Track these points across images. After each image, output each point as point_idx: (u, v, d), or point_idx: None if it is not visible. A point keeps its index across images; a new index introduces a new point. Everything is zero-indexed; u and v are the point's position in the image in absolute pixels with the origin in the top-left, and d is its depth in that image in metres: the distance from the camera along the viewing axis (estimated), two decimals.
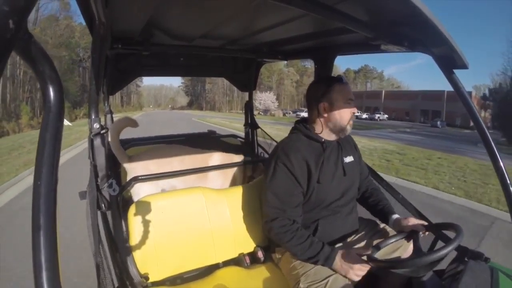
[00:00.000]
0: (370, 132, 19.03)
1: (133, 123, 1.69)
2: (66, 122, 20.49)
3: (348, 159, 1.29)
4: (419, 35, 0.91)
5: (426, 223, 1.18)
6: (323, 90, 1.20)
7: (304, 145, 1.22)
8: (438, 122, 34.12)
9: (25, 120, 24.77)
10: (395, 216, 1.26)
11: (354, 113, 1.23)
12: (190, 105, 74.62)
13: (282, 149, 1.21)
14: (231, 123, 19.31)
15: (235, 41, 1.54)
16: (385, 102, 49.69)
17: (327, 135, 1.24)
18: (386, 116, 44.03)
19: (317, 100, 1.21)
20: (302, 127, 1.27)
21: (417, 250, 1.18)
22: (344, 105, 1.20)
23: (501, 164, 0.95)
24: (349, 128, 1.23)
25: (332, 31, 1.24)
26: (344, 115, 1.20)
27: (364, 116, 43.11)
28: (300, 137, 1.25)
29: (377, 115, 42.42)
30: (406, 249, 1.20)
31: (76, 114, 33.98)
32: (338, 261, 1.07)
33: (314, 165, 1.18)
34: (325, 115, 1.21)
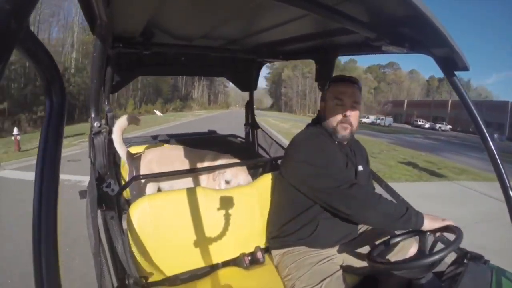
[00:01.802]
0: (388, 135, 20.38)
1: (136, 121, 1.75)
2: (158, 113, 29.73)
3: (360, 167, 1.28)
4: (420, 36, 0.90)
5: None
6: (325, 91, 1.22)
7: (324, 138, 1.22)
8: (495, 136, 27.87)
9: (130, 109, 35.19)
10: None
11: (345, 114, 1.16)
12: (271, 107, 77.60)
13: (312, 131, 1.23)
14: (280, 123, 22.27)
15: (236, 41, 1.54)
16: (452, 112, 44.80)
17: (336, 137, 1.23)
18: (449, 126, 40.38)
19: (321, 100, 1.23)
20: (317, 125, 1.28)
21: (422, 251, 1.18)
22: (333, 104, 1.17)
23: (502, 168, 0.94)
24: (341, 130, 1.18)
25: (333, 31, 1.23)
26: (332, 115, 1.17)
27: (427, 125, 41.19)
28: (318, 132, 1.24)
29: (438, 125, 39.83)
30: (408, 251, 1.20)
31: (167, 108, 44.63)
32: (427, 218, 1.03)
33: (337, 159, 1.18)
34: (323, 115, 1.22)
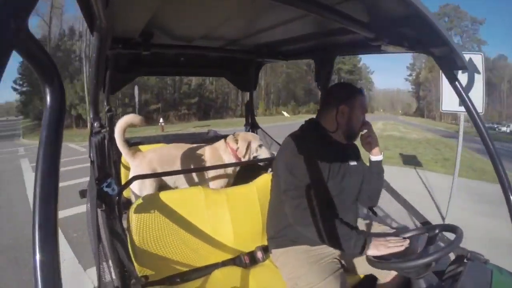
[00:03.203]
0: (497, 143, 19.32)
1: (138, 121, 1.76)
2: (285, 114, 35.69)
3: (352, 163, 1.31)
4: (419, 36, 0.91)
5: None
6: (347, 95, 1.25)
7: (313, 140, 1.24)
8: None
9: (261, 110, 39.49)
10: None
11: (364, 124, 1.31)
12: (415, 112, 68.92)
13: (294, 140, 1.26)
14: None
15: (235, 42, 1.54)
16: None
17: (338, 137, 1.27)
18: None
19: (339, 101, 1.25)
20: (313, 124, 1.31)
21: (414, 251, 1.18)
22: (360, 114, 1.27)
23: (502, 168, 0.94)
24: (359, 133, 1.31)
25: (332, 31, 1.24)
26: (359, 123, 1.28)
27: None
28: (311, 133, 1.28)
29: None
30: (408, 250, 1.19)
31: (299, 110, 47.56)
32: (372, 245, 1.04)
33: (322, 161, 1.20)
34: (343, 117, 1.25)
